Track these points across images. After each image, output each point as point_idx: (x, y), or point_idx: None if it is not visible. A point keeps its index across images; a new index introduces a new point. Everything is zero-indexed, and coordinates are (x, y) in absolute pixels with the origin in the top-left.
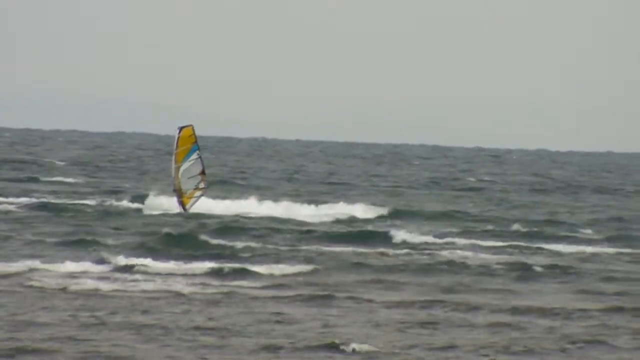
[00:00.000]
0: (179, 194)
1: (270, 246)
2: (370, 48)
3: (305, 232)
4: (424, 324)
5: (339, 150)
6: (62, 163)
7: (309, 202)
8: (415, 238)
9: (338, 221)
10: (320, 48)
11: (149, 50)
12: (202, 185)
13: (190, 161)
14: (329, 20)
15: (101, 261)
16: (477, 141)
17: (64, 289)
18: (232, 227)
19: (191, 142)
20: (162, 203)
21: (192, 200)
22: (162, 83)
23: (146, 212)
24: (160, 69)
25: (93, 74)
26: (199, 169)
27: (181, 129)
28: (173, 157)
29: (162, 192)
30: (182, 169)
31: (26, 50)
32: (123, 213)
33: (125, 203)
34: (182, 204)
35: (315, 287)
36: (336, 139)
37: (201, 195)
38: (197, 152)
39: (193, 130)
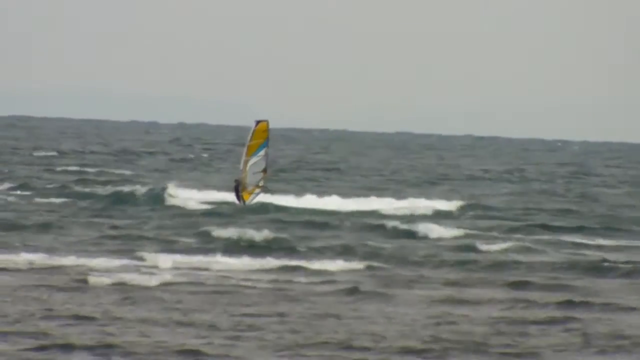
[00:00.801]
0: (241, 187)
1: (337, 241)
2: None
3: (374, 226)
4: (487, 322)
5: (399, 142)
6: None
7: (383, 196)
8: (487, 234)
9: (412, 215)
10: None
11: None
12: (261, 183)
13: (258, 156)
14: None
15: (142, 258)
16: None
17: (122, 284)
18: (298, 221)
19: (263, 138)
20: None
21: (252, 196)
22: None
23: (171, 202)
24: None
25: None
26: (262, 166)
27: (258, 122)
28: (245, 149)
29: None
30: (250, 163)
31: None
32: (169, 206)
33: (174, 196)
34: (241, 197)
35: (382, 283)
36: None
37: (259, 192)
38: (266, 149)
39: (268, 125)
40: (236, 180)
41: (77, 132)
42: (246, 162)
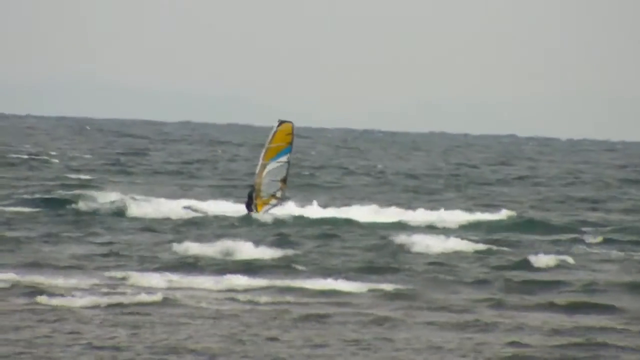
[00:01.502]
0: (255, 194)
1: (357, 258)
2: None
3: (401, 240)
4: (538, 350)
5: (434, 143)
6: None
7: (413, 205)
8: (537, 248)
9: (447, 228)
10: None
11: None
12: (279, 194)
13: (278, 162)
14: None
15: (124, 277)
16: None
17: (108, 305)
18: (308, 234)
19: (286, 142)
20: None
21: (267, 207)
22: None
23: (155, 213)
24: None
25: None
26: (282, 174)
27: (281, 122)
28: (262, 152)
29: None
30: (268, 168)
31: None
32: (153, 219)
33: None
34: (254, 205)
35: (412, 305)
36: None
37: (276, 204)
38: (288, 155)
39: (292, 128)
40: (251, 186)
41: (70, 130)
42: (263, 166)
